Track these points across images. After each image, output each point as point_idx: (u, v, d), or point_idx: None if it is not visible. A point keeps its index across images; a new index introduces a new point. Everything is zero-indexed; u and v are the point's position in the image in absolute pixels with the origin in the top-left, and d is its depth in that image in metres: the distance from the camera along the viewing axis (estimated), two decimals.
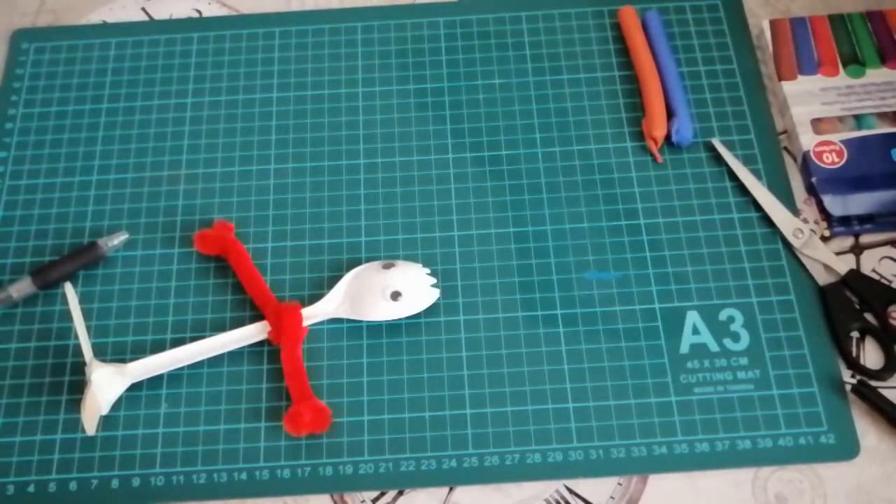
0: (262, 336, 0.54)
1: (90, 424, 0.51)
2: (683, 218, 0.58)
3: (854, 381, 0.53)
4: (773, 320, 0.55)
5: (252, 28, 0.67)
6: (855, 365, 0.53)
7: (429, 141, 0.62)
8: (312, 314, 0.55)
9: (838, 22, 0.64)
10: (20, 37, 0.67)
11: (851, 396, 0.52)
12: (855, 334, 0.54)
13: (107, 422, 0.53)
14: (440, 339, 0.55)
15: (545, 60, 0.64)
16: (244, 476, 0.52)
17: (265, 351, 0.55)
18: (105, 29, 0.68)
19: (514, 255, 0.57)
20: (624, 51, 0.65)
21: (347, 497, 0.51)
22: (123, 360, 0.54)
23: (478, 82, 0.64)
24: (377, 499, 0.51)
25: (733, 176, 0.59)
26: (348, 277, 0.56)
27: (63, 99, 0.64)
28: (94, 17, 0.69)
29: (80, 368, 0.54)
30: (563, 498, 0.51)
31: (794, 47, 0.63)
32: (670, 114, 0.61)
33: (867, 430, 0.52)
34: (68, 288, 0.54)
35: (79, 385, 0.54)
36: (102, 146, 0.62)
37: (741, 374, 0.53)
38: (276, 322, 0.54)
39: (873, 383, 0.52)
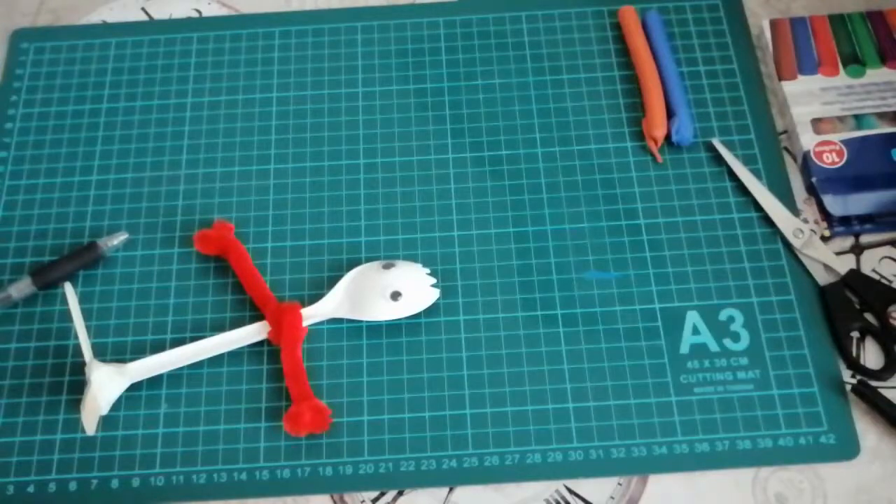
0: (262, 336, 0.54)
1: (90, 424, 0.51)
2: (683, 218, 0.58)
3: (854, 381, 0.53)
4: (773, 320, 0.55)
5: (252, 28, 0.67)
6: (855, 365, 0.53)
7: (429, 141, 0.62)
8: (312, 314, 0.55)
9: (838, 22, 0.64)
10: (20, 36, 0.67)
11: (851, 396, 0.52)
12: (855, 334, 0.54)
13: (106, 422, 0.53)
14: (440, 339, 0.55)
15: (545, 60, 0.64)
16: (244, 476, 0.52)
17: (265, 351, 0.55)
18: (105, 29, 0.68)
19: (514, 255, 0.57)
20: (624, 51, 0.65)
21: (347, 497, 0.51)
22: (123, 360, 0.54)
23: (478, 82, 0.64)
24: (377, 499, 0.51)
25: (733, 176, 0.59)
26: (348, 277, 0.56)
27: (63, 99, 0.64)
28: (94, 17, 0.69)
29: (79, 368, 0.54)
30: (563, 498, 0.51)
31: (794, 47, 0.63)
32: (670, 114, 0.61)
33: (867, 430, 0.52)
34: (68, 288, 0.54)
35: (79, 385, 0.54)
36: (102, 146, 0.62)
37: (741, 374, 0.53)
38: (276, 322, 0.54)
39: (873, 383, 0.52)
